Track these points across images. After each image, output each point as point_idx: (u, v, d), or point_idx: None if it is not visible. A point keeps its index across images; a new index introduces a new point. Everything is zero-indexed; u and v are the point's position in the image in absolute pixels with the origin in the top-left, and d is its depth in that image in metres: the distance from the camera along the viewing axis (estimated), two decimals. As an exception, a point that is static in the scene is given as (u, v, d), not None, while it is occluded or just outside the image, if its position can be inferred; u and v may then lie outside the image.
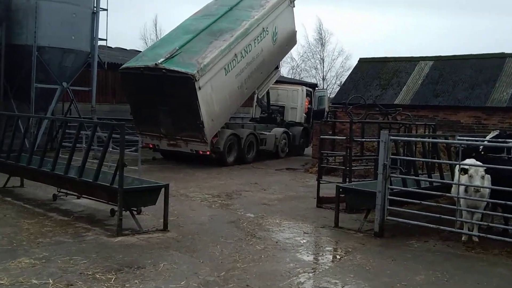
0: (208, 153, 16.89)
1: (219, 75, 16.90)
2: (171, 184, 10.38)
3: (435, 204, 9.05)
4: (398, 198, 8.70)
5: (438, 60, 21.15)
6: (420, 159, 10.94)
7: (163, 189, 8.60)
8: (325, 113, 23.93)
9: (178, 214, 9.93)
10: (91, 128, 9.84)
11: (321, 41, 54.45)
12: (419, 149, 13.08)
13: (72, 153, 9.33)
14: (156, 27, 53.76)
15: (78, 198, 10.38)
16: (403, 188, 9.27)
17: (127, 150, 17.69)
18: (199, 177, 15.15)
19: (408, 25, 71.61)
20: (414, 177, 9.83)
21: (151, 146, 17.98)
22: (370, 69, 22.29)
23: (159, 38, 39.66)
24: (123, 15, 66.77)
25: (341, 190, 9.56)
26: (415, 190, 9.17)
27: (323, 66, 54.87)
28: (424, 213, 8.68)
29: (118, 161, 8.05)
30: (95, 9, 19.25)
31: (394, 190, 8.89)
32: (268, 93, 22.19)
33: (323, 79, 54.55)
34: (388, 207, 8.62)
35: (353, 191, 9.46)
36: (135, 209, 8.73)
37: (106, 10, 19.91)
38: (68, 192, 10.26)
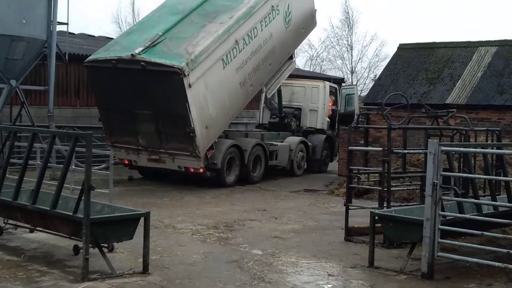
0: (201, 170, 16.91)
1: (215, 69, 16.97)
2: (153, 212, 10.36)
3: (502, 235, 8.99)
4: (453, 228, 8.65)
5: (504, 46, 21.17)
6: (481, 176, 10.88)
7: (142, 219, 8.58)
8: (355, 117, 23.94)
9: (163, 251, 9.89)
10: (47, 139, 9.87)
11: (348, 22, 54.75)
12: (480, 163, 13.02)
13: (23, 172, 9.34)
14: (133, 7, 54.47)
15: (32, 231, 10.36)
16: (458, 215, 9.21)
17: (96, 167, 17.91)
18: (190, 203, 15.13)
19: (461, 2, 71.75)
20: (473, 200, 9.77)
21: (126, 162, 18.03)
22: (413, 59, 22.32)
23: (137, 21, 39.88)
24: (91, -9, 67.32)
25: (377, 218, 9.51)
26: (474, 217, 9.11)
27: (351, 55, 55.09)
28: (487, 247, 8.62)
29: (83, 183, 8.06)
30: (53, -17, 19.41)
31: (447, 218, 8.84)
32: (279, 91, 22.24)
33: (352, 72, 54.73)
34: (440, 240, 8.57)
35: (393, 219, 9.42)
36: (106, 245, 8.69)
37: (68, -16, 20.10)
38: (18, 223, 10.26)
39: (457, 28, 68.24)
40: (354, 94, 25.58)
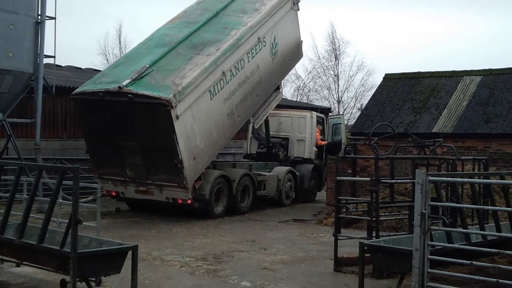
0: (189, 202, 16.85)
1: (202, 100, 17.01)
2: (141, 244, 10.28)
3: (491, 265, 8.96)
4: (442, 258, 8.62)
5: (489, 75, 21.39)
6: (469, 206, 10.88)
7: (130, 252, 8.52)
8: (342, 146, 24.04)
9: (151, 284, 9.82)
10: (34, 172, 9.81)
11: (335, 53, 55.17)
12: (467, 192, 13.05)
13: (9, 205, 9.26)
14: (120, 39, 54.44)
15: (18, 265, 10.26)
16: (447, 245, 9.20)
17: (83, 200, 17.80)
18: (178, 234, 15.05)
19: (447, 28, 72.70)
20: (461, 229, 9.76)
21: (114, 194, 17.93)
22: (399, 88, 22.48)
23: (124, 54, 40.03)
24: (77, 24, 67.70)
25: (366, 248, 9.49)
26: (463, 246, 9.10)
27: (338, 85, 55.37)
28: (476, 277, 8.58)
29: (70, 216, 8.00)
30: (39, 17, 19.47)
31: (436, 248, 8.82)
32: (267, 121, 22.31)
33: (339, 101, 54.99)
34: (429, 270, 8.53)
35: (382, 249, 9.39)
36: (94, 279, 8.61)
37: (54, 18, 20.19)
38: (4, 258, 10.15)
39: (440, 57, 69.05)
40: (340, 123, 25.69)
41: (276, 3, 20.23)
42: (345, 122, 30.02)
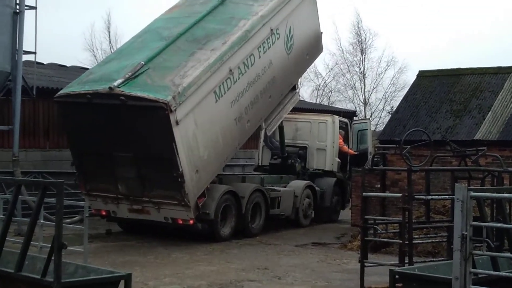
0: (191, 222, 16.88)
1: (206, 103, 17.08)
2: (135, 272, 10.32)
3: (544, 295, 8.95)
4: (487, 288, 8.61)
5: (542, 71, 21.35)
6: (519, 226, 10.86)
7: (123, 282, 8.54)
8: (369, 156, 24.01)
9: (147, 319, 9.86)
10: (11, 188, 9.87)
11: (361, 46, 55.14)
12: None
13: (-17, 228, 9.33)
14: (109, 31, 54.63)
15: (-7, 297, 10.33)
16: (493, 272, 9.18)
17: (68, 221, 17.86)
18: (178, 261, 15.07)
19: (487, 24, 72.55)
20: (509, 254, 9.73)
21: (104, 213, 18.00)
22: (436, 87, 22.47)
23: (115, 49, 40.19)
24: (62, 14, 68.11)
25: (397, 276, 9.48)
26: (511, 274, 9.07)
27: (364, 85, 55.37)
28: (527, 310, 8.57)
29: (53, 240, 8.04)
30: (18, 7, 19.56)
31: (480, 276, 8.81)
32: (281, 127, 22.35)
33: (365, 103, 54.95)
34: (472, 302, 8.53)
35: (416, 278, 9.38)
36: (80, 313, 8.65)
37: (35, 8, 20.26)
38: (-23, 288, 10.21)
39: (486, 52, 68.87)
40: (367, 129, 25.71)
41: (291, -11, 20.33)
42: (373, 128, 30.03)
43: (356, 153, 24.40)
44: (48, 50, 55.49)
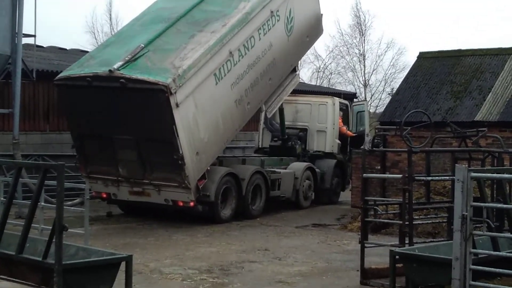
0: (192, 204, 16.89)
1: (206, 85, 17.04)
2: (136, 254, 10.33)
3: (544, 276, 8.95)
4: (487, 269, 8.61)
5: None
6: (519, 207, 10.85)
7: (123, 263, 8.54)
8: (366, 138, 24.05)
9: (148, 300, 9.87)
10: (12, 171, 9.86)
11: (360, 28, 55.01)
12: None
13: (-17, 210, 9.33)
14: (110, 15, 54.55)
15: (-6, 279, 10.33)
16: (493, 252, 9.18)
17: (69, 203, 17.85)
18: (179, 243, 15.09)
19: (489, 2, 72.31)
20: (509, 234, 9.73)
21: (104, 195, 18.01)
22: (436, 69, 22.41)
23: (116, 32, 40.08)
24: (61, -3, 67.76)
25: (397, 257, 9.49)
26: (511, 254, 9.07)
27: (364, 66, 55.26)
28: (528, 290, 8.58)
29: (54, 222, 8.04)
30: (17, -10, 19.51)
31: (480, 256, 8.81)
32: (281, 109, 22.33)
33: (365, 85, 54.84)
34: (471, 283, 8.53)
35: (417, 258, 9.39)
36: (82, 295, 8.66)
37: (35, -10, 20.19)
38: (-21, 270, 10.22)
39: (486, 33, 68.68)
40: (364, 111, 25.68)
41: (291, -29, 20.23)
42: (373, 110, 29.99)
43: (354, 134, 24.42)
44: (48, 33, 55.34)
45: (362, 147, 23.11)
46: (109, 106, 16.55)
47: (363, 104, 27.78)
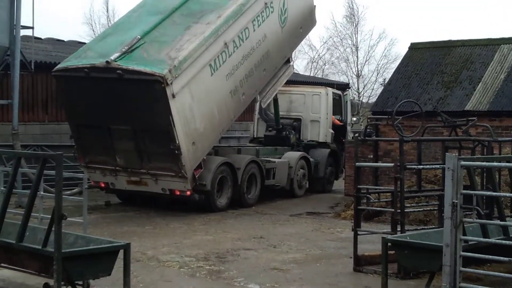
0: (188, 193, 16.91)
1: (202, 76, 17.03)
2: (134, 242, 10.36)
3: (532, 261, 9.00)
4: (477, 255, 8.65)
5: (530, 43, 21.30)
6: (508, 195, 10.92)
7: (122, 251, 8.58)
8: (348, 128, 24.21)
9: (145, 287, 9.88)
10: (11, 161, 9.87)
11: (353, 19, 54.96)
12: (506, 178, 13.06)
13: (-16, 200, 9.34)
14: (107, 6, 54.50)
15: (-5, 267, 10.35)
16: (483, 239, 9.23)
17: (67, 193, 17.88)
18: (176, 231, 15.13)
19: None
20: (499, 221, 9.78)
21: (103, 185, 18.02)
22: (427, 60, 22.43)
23: (112, 23, 39.98)
24: (58, -11, 67.50)
25: (389, 244, 9.53)
26: (501, 241, 9.12)
27: (357, 57, 55.23)
28: (516, 276, 8.63)
29: (53, 211, 8.06)
30: (15, -18, 19.43)
31: (470, 243, 8.85)
32: (276, 100, 22.33)
33: (358, 75, 54.85)
34: (462, 269, 8.57)
35: (408, 245, 9.43)
36: (81, 282, 8.69)
37: (32, -17, 20.11)
38: (-20, 259, 10.23)
39: (476, 24, 68.61)
40: (347, 101, 25.69)
41: (284, -38, 20.19)
42: (365, 100, 29.96)
43: (341, 123, 24.47)
44: (46, 25, 55.21)
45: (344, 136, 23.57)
46: (106, 97, 16.54)
47: (347, 94, 27.68)
